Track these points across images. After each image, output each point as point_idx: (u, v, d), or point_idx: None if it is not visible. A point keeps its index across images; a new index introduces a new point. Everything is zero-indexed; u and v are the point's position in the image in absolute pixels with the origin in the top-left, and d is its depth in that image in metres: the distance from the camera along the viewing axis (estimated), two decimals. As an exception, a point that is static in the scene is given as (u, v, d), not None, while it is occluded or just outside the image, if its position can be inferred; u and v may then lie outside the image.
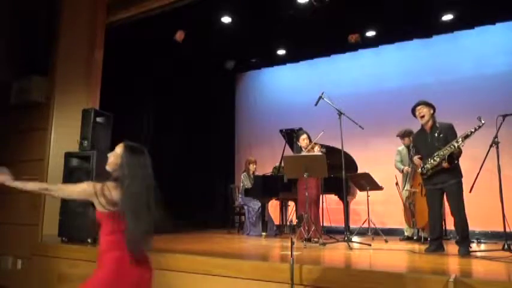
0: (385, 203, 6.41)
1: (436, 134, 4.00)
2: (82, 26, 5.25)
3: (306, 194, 4.61)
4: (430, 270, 2.93)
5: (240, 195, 6.55)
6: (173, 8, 5.46)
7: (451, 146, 3.80)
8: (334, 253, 3.96)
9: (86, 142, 4.65)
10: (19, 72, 5.01)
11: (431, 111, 4.07)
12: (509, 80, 6.37)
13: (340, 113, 4.84)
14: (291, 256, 2.68)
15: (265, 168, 7.00)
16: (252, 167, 6.55)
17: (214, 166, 8.35)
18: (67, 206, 4.37)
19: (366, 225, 5.75)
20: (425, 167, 3.97)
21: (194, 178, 7.74)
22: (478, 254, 3.84)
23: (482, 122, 3.76)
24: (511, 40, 6.57)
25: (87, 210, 4.36)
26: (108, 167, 2.14)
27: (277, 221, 6.78)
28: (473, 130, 3.74)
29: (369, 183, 5.65)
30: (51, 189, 2.12)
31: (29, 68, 4.96)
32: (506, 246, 3.80)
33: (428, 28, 6.87)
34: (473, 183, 3.99)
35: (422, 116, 4.06)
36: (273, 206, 6.92)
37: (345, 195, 5.04)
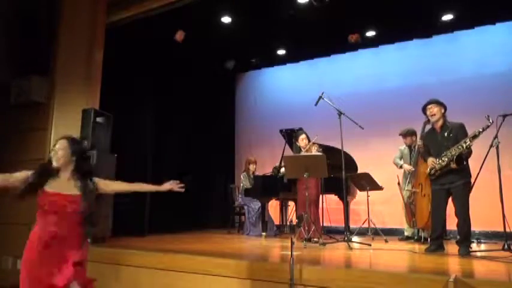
0: (385, 203, 6.41)
1: (446, 134, 3.96)
2: (82, 26, 5.24)
3: (306, 194, 4.61)
4: (430, 270, 2.93)
5: (240, 195, 6.55)
6: (173, 8, 5.46)
7: (460, 147, 3.78)
8: (334, 253, 3.96)
9: (86, 142, 4.64)
10: (19, 72, 5.01)
11: (443, 111, 4.03)
12: (509, 80, 6.37)
13: (340, 113, 4.84)
14: (291, 256, 2.68)
15: (265, 168, 7.00)
16: (252, 167, 6.55)
17: (214, 166, 8.35)
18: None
19: (366, 225, 5.75)
20: (435, 168, 3.95)
21: (194, 178, 7.74)
22: (478, 254, 3.85)
23: (491, 121, 3.73)
24: (511, 40, 6.57)
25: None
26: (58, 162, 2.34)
27: (277, 221, 6.77)
28: (481, 130, 3.71)
29: (368, 183, 5.65)
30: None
31: (29, 68, 4.95)
32: (506, 246, 3.80)
33: (428, 28, 6.86)
34: (473, 183, 3.99)
35: (433, 115, 4.02)
36: (273, 206, 6.92)
37: (345, 195, 5.04)
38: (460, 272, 2.85)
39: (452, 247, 3.98)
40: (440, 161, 3.88)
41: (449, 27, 6.76)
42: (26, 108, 4.98)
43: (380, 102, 7.29)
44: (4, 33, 5.04)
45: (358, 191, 6.13)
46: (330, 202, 6.17)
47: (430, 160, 4.01)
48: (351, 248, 4.16)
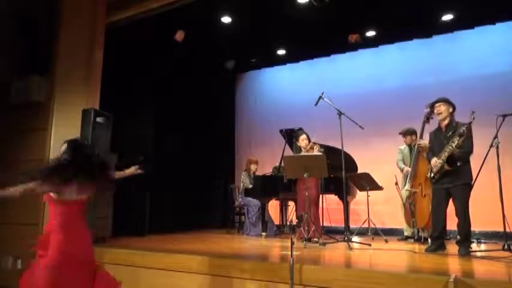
0: (385, 203, 6.41)
1: (449, 133, 3.94)
2: (82, 26, 5.24)
3: (306, 194, 4.61)
4: (430, 270, 2.93)
5: (240, 195, 6.55)
6: (173, 8, 5.46)
7: (450, 147, 3.79)
8: (334, 253, 3.96)
9: (86, 142, 4.64)
10: (19, 72, 5.01)
11: (450, 110, 4.01)
12: (509, 80, 6.37)
13: (340, 113, 4.84)
14: (291, 256, 2.69)
15: (265, 168, 7.00)
16: (253, 167, 6.55)
17: (214, 166, 8.35)
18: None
19: (366, 225, 5.75)
20: (433, 170, 3.94)
21: (194, 178, 7.74)
22: (478, 254, 3.85)
23: (473, 117, 3.73)
24: (510, 40, 6.57)
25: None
26: None
27: (277, 221, 6.77)
28: (464, 128, 3.71)
29: (368, 183, 5.65)
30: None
31: (29, 68, 4.95)
32: (506, 246, 3.80)
33: (428, 28, 6.86)
34: (473, 183, 3.99)
35: (440, 113, 4.00)
36: (273, 206, 6.92)
37: (345, 195, 5.05)
38: (460, 272, 2.85)
39: (452, 247, 3.98)
40: (438, 162, 3.89)
41: (449, 27, 6.77)
42: (26, 108, 4.98)
43: (380, 102, 7.29)
44: (4, 33, 5.04)
45: (358, 191, 6.13)
46: (330, 202, 6.17)
47: (433, 161, 4.00)
48: (351, 248, 4.16)
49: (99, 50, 5.33)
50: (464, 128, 3.70)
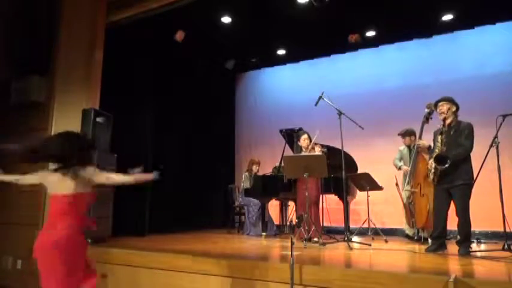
0: (385, 203, 6.41)
1: (451, 133, 3.93)
2: (82, 26, 5.24)
3: (306, 194, 4.61)
4: (430, 270, 2.93)
5: (240, 195, 6.55)
6: (173, 8, 5.46)
7: (437, 147, 3.82)
8: (334, 253, 3.96)
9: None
10: (19, 72, 5.01)
11: (453, 109, 4.00)
12: (509, 80, 6.37)
13: (340, 113, 4.84)
14: (291, 256, 2.69)
15: (265, 168, 7.00)
16: (255, 167, 6.55)
17: (214, 166, 8.35)
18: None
19: (366, 225, 5.75)
20: (431, 172, 3.94)
21: (194, 178, 7.74)
22: (478, 254, 3.85)
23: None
24: (511, 40, 6.57)
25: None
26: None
27: (277, 221, 6.78)
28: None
29: (368, 183, 5.65)
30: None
31: (29, 68, 4.96)
32: (506, 246, 3.80)
33: (428, 28, 6.86)
34: (473, 183, 3.99)
35: (442, 112, 3.99)
36: (273, 206, 6.92)
37: (345, 195, 5.05)
38: (460, 272, 2.85)
39: (452, 247, 3.98)
40: (430, 161, 3.89)
41: (449, 27, 6.76)
42: (26, 108, 4.99)
43: (380, 102, 7.30)
44: (4, 33, 5.04)
45: (358, 191, 6.13)
46: (330, 202, 6.17)
47: (430, 162, 4.00)
48: (351, 248, 4.16)
49: (99, 50, 5.33)
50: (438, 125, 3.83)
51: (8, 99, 5.01)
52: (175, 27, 6.65)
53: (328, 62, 8.12)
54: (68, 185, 2.27)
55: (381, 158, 6.57)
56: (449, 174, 3.83)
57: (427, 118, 4.43)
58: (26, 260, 4.49)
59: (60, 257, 2.17)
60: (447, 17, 6.51)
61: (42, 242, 2.22)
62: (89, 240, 4.26)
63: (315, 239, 4.75)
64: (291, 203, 6.83)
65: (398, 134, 5.69)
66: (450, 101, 4.02)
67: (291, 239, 2.79)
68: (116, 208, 5.05)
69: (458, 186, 3.78)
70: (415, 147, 4.75)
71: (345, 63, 7.93)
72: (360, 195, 6.17)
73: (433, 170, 3.91)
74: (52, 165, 2.36)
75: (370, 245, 4.56)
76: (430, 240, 4.50)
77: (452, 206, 3.90)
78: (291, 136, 6.06)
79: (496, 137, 4.01)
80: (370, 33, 7.07)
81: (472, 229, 3.85)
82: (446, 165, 3.75)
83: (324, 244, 4.47)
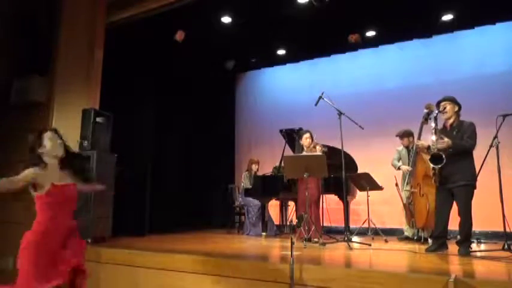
0: (385, 203, 6.40)
1: (454, 132, 3.92)
2: (82, 26, 5.24)
3: (306, 194, 4.61)
4: (430, 270, 2.93)
5: (240, 195, 6.55)
6: (173, 8, 5.46)
7: (433, 147, 3.83)
8: (334, 253, 3.95)
9: (86, 142, 4.65)
10: (19, 72, 5.00)
11: (456, 109, 3.99)
12: (509, 80, 6.37)
13: (340, 113, 4.84)
14: (291, 256, 2.68)
15: (265, 168, 7.00)
16: (254, 167, 6.56)
17: (214, 166, 8.35)
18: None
19: (366, 225, 5.75)
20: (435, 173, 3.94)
21: (194, 178, 7.74)
22: (478, 254, 3.85)
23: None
24: (511, 40, 6.57)
25: (86, 209, 4.37)
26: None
27: (277, 221, 6.78)
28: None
29: (368, 183, 5.65)
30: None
31: (29, 68, 4.96)
32: (506, 246, 3.79)
33: (428, 28, 6.86)
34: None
35: (445, 112, 3.98)
36: (273, 206, 6.92)
37: (345, 195, 5.04)
38: (460, 272, 2.85)
39: (452, 247, 3.98)
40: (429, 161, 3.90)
41: (449, 27, 6.77)
42: (26, 108, 4.98)
43: (380, 102, 7.30)
44: (4, 33, 5.04)
45: (358, 191, 6.13)
46: (330, 202, 6.17)
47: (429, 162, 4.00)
48: (351, 248, 4.16)
49: (99, 50, 5.33)
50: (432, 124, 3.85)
51: (8, 99, 5.00)
52: (175, 27, 6.65)
53: (328, 62, 8.12)
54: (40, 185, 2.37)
55: (380, 158, 6.57)
56: (452, 174, 3.81)
57: (426, 119, 4.41)
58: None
59: (21, 255, 2.43)
60: (447, 17, 6.51)
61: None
62: (89, 240, 4.29)
63: (315, 239, 4.75)
64: (291, 203, 6.83)
65: (396, 135, 5.69)
66: (452, 100, 4.00)
67: (291, 239, 2.79)
68: (115, 208, 5.05)
69: (461, 186, 3.77)
70: (414, 147, 4.75)
71: (345, 63, 7.93)
72: (360, 195, 6.17)
73: (432, 171, 3.91)
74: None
75: (370, 245, 4.56)
76: (430, 240, 4.50)
77: (454, 207, 3.90)
78: (291, 136, 6.06)
79: (496, 137, 4.01)
80: (370, 33, 7.07)
81: (472, 229, 3.84)
82: (442, 164, 3.75)
83: (324, 244, 4.47)
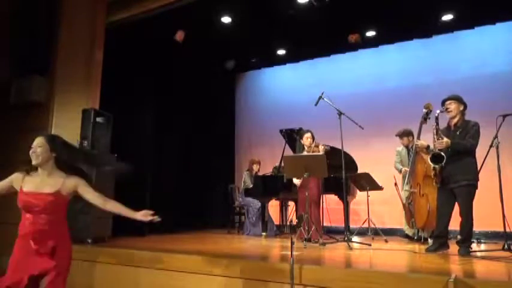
0: (385, 203, 6.41)
1: (458, 132, 3.89)
2: (82, 26, 5.24)
3: (306, 194, 4.61)
4: (430, 270, 2.93)
5: (240, 195, 6.55)
6: (173, 8, 5.46)
7: (432, 147, 3.84)
8: (334, 253, 3.95)
9: (86, 142, 4.65)
10: (19, 72, 5.00)
11: (461, 108, 3.94)
12: (509, 80, 6.37)
13: (340, 113, 4.84)
14: (291, 256, 2.68)
15: (265, 168, 7.00)
16: (255, 167, 6.56)
17: (214, 166, 8.35)
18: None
19: (366, 225, 5.75)
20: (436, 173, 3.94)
21: (194, 178, 7.74)
22: (478, 254, 3.84)
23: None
24: (511, 40, 6.57)
25: (86, 210, 4.36)
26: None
27: (277, 221, 6.78)
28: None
29: (368, 183, 5.65)
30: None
31: (29, 68, 4.96)
32: (506, 246, 3.79)
33: (428, 28, 6.87)
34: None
35: (450, 111, 3.94)
36: (273, 206, 6.92)
37: (345, 195, 5.04)
38: (460, 272, 2.85)
39: (452, 247, 3.98)
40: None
41: (449, 27, 6.77)
42: (26, 108, 4.98)
43: (380, 102, 7.30)
44: (4, 33, 5.04)
45: (358, 191, 6.13)
46: (330, 202, 6.17)
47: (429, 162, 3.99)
48: (351, 248, 4.16)
49: (99, 50, 5.33)
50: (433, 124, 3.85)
51: (8, 99, 5.00)
52: (175, 27, 6.65)
53: (328, 62, 8.12)
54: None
55: (380, 158, 6.57)
56: (454, 174, 3.79)
57: (425, 118, 4.40)
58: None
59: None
60: (447, 17, 6.51)
61: None
62: (89, 240, 4.29)
63: (315, 239, 4.75)
64: (291, 203, 6.83)
65: (396, 135, 5.68)
66: (458, 99, 3.96)
67: (291, 239, 2.79)
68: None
69: (463, 186, 3.75)
70: (414, 147, 4.74)
71: (345, 63, 7.93)
72: (360, 195, 6.17)
73: (433, 171, 3.91)
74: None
75: (370, 245, 4.56)
76: (430, 240, 4.50)
77: (455, 207, 3.89)
78: (291, 136, 6.06)
79: (496, 137, 4.01)
80: (370, 33, 7.07)
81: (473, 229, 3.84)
82: (442, 163, 3.74)
83: (324, 244, 4.47)
